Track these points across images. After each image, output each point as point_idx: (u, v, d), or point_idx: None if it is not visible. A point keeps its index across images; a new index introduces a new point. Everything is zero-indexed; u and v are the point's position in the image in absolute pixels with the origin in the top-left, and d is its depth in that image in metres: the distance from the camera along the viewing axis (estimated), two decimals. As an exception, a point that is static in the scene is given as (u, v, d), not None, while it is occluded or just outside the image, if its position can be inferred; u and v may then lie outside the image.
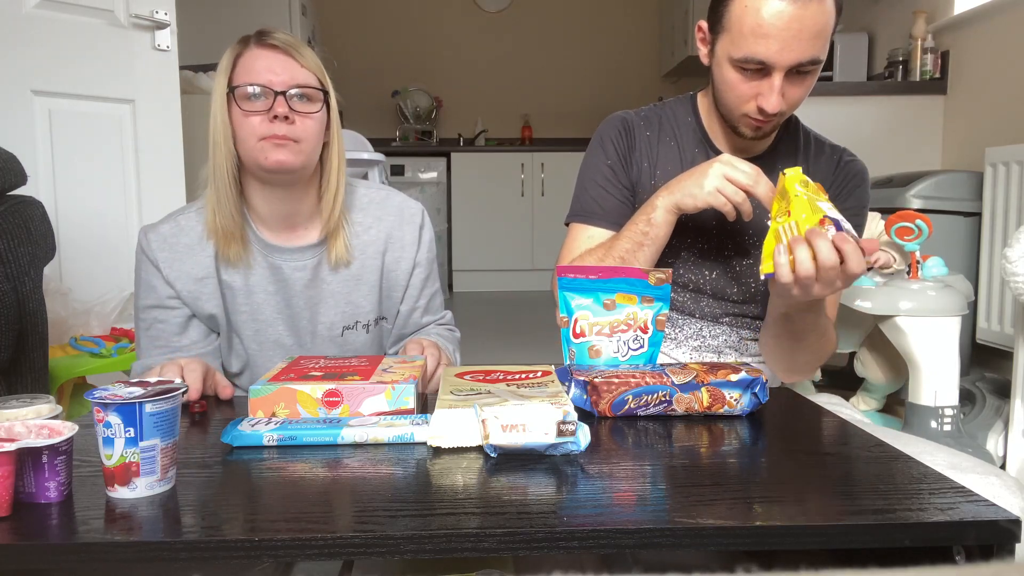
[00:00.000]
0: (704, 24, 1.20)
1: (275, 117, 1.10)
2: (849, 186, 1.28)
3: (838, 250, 0.94)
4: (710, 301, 1.31)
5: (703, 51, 1.22)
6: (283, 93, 1.11)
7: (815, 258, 0.94)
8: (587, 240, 1.28)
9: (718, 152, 1.28)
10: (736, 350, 1.33)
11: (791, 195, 0.99)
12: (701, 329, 1.32)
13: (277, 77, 1.11)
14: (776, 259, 0.97)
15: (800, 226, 0.96)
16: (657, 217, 1.16)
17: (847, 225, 0.97)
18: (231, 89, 1.11)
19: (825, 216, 0.95)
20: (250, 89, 1.11)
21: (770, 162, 1.27)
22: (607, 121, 1.34)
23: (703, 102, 1.31)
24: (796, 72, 1.12)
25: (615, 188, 1.29)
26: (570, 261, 1.28)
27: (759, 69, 1.12)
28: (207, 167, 1.17)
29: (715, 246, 1.29)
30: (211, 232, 1.18)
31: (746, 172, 1.09)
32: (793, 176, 1.00)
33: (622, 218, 1.27)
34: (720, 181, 1.09)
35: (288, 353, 1.23)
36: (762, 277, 1.01)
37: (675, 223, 1.17)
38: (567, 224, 1.35)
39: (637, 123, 1.31)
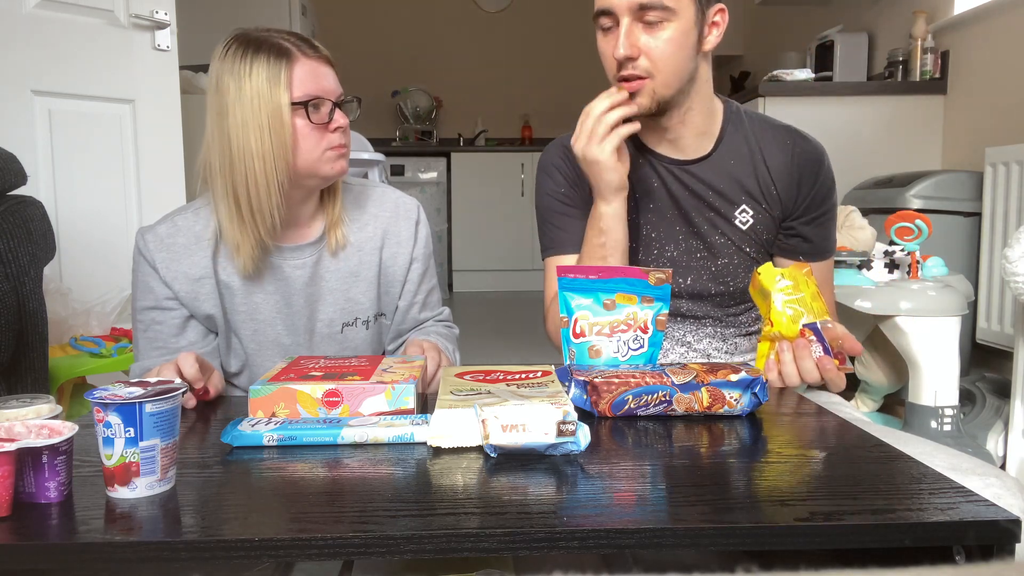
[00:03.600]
0: None
1: (337, 127, 1.14)
2: (808, 180, 1.24)
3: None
4: (690, 305, 1.30)
5: None
6: (339, 104, 1.15)
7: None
8: None
9: (652, 152, 1.26)
10: (727, 353, 1.32)
11: (771, 302, 1.04)
12: (685, 335, 1.32)
13: (331, 86, 1.14)
14: (766, 372, 1.05)
15: (784, 336, 1.04)
16: (605, 223, 1.18)
17: (827, 327, 1.03)
18: (303, 103, 1.11)
19: (804, 327, 1.03)
20: (320, 102, 1.12)
21: (717, 162, 1.24)
22: (546, 150, 1.35)
23: None
24: (645, 21, 1.13)
25: (574, 210, 1.28)
26: (551, 298, 1.28)
27: (610, 20, 1.16)
28: (221, 184, 1.13)
29: (684, 251, 1.27)
30: (234, 250, 1.16)
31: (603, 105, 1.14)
32: (767, 274, 1.06)
33: None
34: (591, 124, 1.14)
35: (287, 352, 1.23)
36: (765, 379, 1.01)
37: (625, 216, 1.19)
38: (543, 259, 1.36)
39: (568, 146, 1.30)
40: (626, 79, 1.16)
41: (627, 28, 1.13)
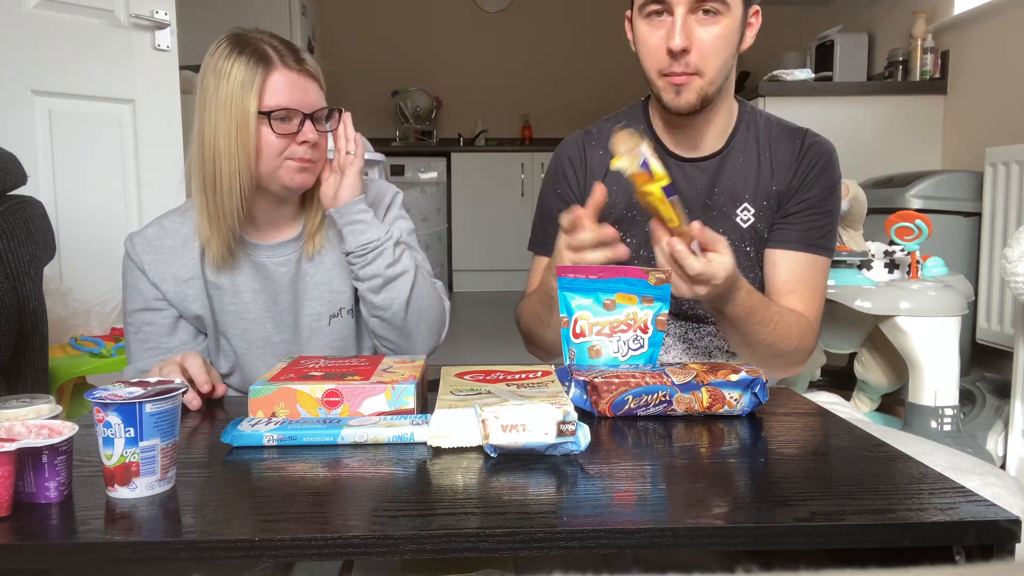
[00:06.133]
0: (628, 12, 1.22)
1: (304, 141, 1.13)
2: (814, 171, 1.25)
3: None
4: (691, 303, 1.29)
5: (631, 39, 1.23)
6: (311, 117, 1.13)
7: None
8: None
9: (670, 152, 1.26)
10: (728, 352, 1.32)
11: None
12: (687, 333, 1.32)
13: (307, 99, 1.13)
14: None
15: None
16: (552, 308, 1.15)
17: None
18: (267, 113, 1.11)
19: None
20: (288, 114, 1.12)
21: (725, 159, 1.26)
22: (561, 145, 1.35)
23: (652, 103, 1.30)
24: (700, 12, 1.12)
25: None
26: (532, 289, 1.29)
27: (662, 10, 1.14)
28: (196, 178, 1.15)
29: None
30: (204, 243, 1.17)
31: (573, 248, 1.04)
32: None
33: None
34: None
35: (277, 350, 1.23)
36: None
37: None
38: (529, 248, 1.36)
39: (589, 143, 1.31)
40: (673, 74, 1.16)
41: (683, 19, 1.12)
